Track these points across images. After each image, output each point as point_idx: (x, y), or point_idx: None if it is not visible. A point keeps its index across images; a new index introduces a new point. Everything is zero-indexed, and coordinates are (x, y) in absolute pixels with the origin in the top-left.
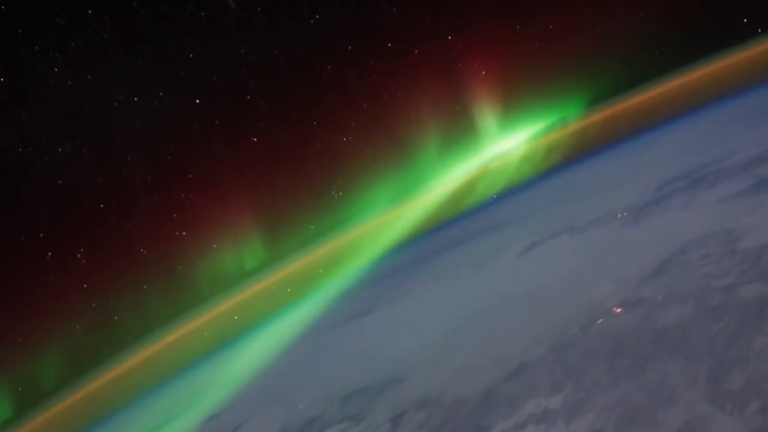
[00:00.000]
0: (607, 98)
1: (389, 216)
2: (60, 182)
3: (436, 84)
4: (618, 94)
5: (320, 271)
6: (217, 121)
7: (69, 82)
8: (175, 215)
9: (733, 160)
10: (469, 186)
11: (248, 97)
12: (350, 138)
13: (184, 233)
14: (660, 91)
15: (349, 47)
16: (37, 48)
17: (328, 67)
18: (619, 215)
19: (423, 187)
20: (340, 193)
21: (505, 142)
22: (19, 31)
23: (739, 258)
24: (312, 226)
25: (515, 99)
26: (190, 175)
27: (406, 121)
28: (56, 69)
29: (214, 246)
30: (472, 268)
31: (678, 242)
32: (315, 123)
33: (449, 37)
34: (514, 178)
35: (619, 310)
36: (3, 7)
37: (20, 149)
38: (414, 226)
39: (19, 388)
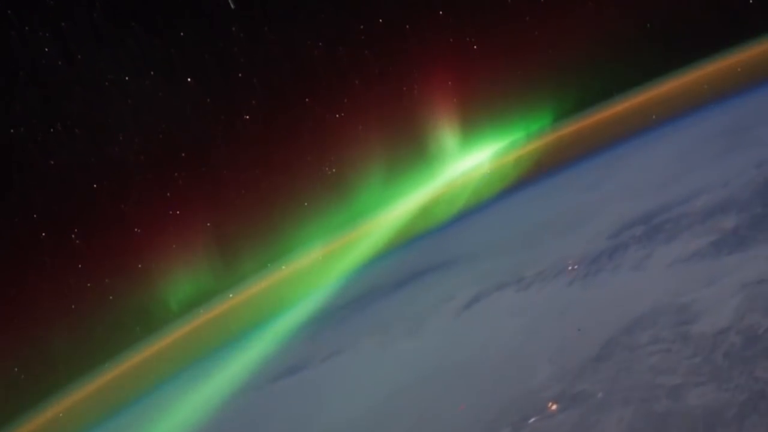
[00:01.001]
0: (576, 111)
1: (341, 240)
2: (53, 163)
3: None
4: (588, 106)
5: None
6: (208, 100)
7: (59, 63)
8: (168, 194)
9: (697, 204)
10: (425, 208)
11: (240, 75)
12: (342, 114)
13: (178, 212)
14: (633, 102)
15: (341, 23)
16: (27, 29)
17: (320, 44)
18: (570, 267)
19: (372, 212)
20: (333, 170)
21: (467, 160)
22: (9, 11)
23: (691, 347)
24: (306, 203)
25: (477, 115)
26: (183, 154)
27: (398, 96)
28: (47, 49)
29: (208, 224)
30: (411, 324)
31: (626, 317)
32: (307, 100)
33: (440, 12)
34: (474, 199)
35: (554, 407)
36: None
37: (12, 131)
38: (364, 255)
39: (16, 369)
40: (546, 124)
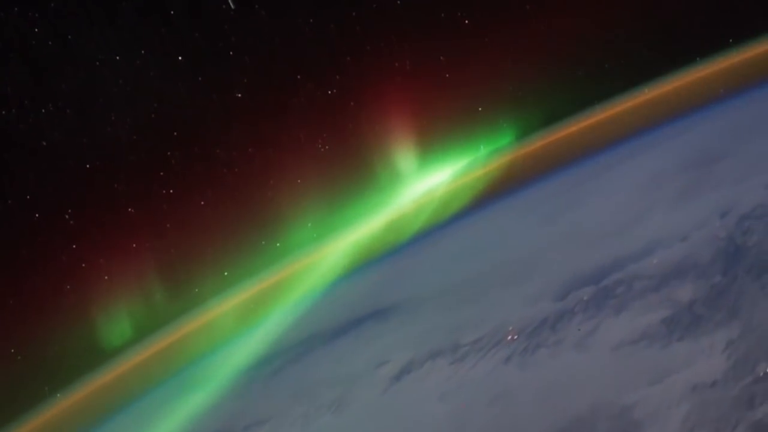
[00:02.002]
0: (544, 126)
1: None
2: (44, 144)
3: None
4: (557, 120)
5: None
6: (200, 78)
7: (50, 43)
8: (161, 173)
9: (652, 262)
10: (381, 230)
11: (231, 53)
12: (334, 91)
13: (171, 191)
14: (605, 114)
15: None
16: (16, 9)
17: (310, 20)
18: (509, 336)
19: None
20: (327, 147)
21: (426, 181)
22: None
23: None
24: (299, 180)
25: (436, 133)
26: (176, 133)
27: (389, 73)
28: (36, 30)
29: (202, 203)
30: (339, 393)
31: (561, 417)
32: (299, 77)
33: None
34: (432, 220)
35: None
36: None
37: (3, 112)
38: (317, 282)
39: (12, 350)
40: (511, 140)
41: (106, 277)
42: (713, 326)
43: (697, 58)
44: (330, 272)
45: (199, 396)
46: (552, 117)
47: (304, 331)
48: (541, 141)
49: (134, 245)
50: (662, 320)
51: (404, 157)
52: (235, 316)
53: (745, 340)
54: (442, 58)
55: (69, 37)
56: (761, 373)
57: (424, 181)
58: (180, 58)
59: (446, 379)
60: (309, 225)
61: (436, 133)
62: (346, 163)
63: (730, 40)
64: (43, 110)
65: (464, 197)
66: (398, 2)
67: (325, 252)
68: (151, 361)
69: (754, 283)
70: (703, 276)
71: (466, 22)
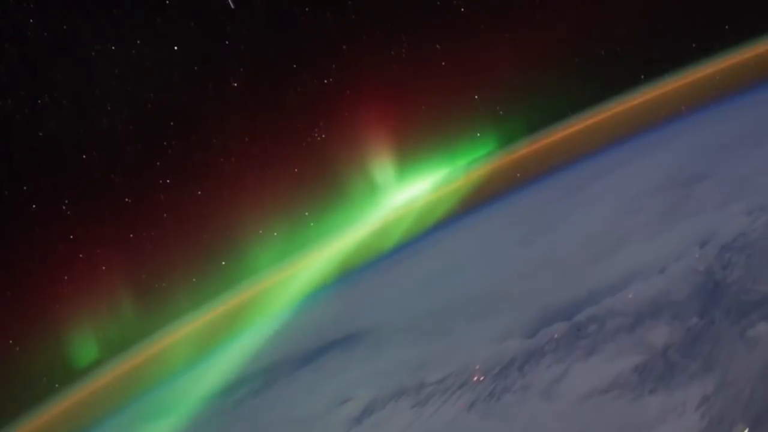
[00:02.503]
0: (529, 133)
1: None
2: (41, 134)
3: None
4: (540, 127)
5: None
6: (196, 68)
7: (45, 34)
8: (158, 163)
9: (628, 297)
10: (349, 248)
11: (227, 42)
12: (330, 80)
13: (168, 181)
14: (590, 122)
15: None
16: (11, 0)
17: (306, 9)
18: (475, 377)
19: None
20: (323, 136)
21: (404, 192)
22: None
23: None
24: (295, 169)
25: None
26: (172, 123)
27: (385, 61)
28: (32, 20)
29: (199, 193)
30: None
31: None
32: (294, 66)
33: None
34: (408, 234)
35: None
36: None
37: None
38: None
39: (11, 341)
40: (494, 147)
41: (103, 267)
42: (687, 378)
43: (685, 64)
44: (305, 287)
45: (162, 426)
46: (535, 125)
47: (274, 354)
48: (523, 149)
49: (131, 235)
50: (635, 367)
51: (394, 155)
52: (206, 335)
53: (720, 397)
54: (438, 46)
55: (64, 27)
56: None
57: (407, 188)
58: (175, 48)
59: (407, 427)
60: (306, 214)
61: (430, 128)
62: (342, 152)
63: (717, 45)
64: (40, 101)
65: (444, 207)
66: None
67: (300, 266)
68: (114, 385)
69: (732, 329)
70: (679, 317)
71: (462, 9)
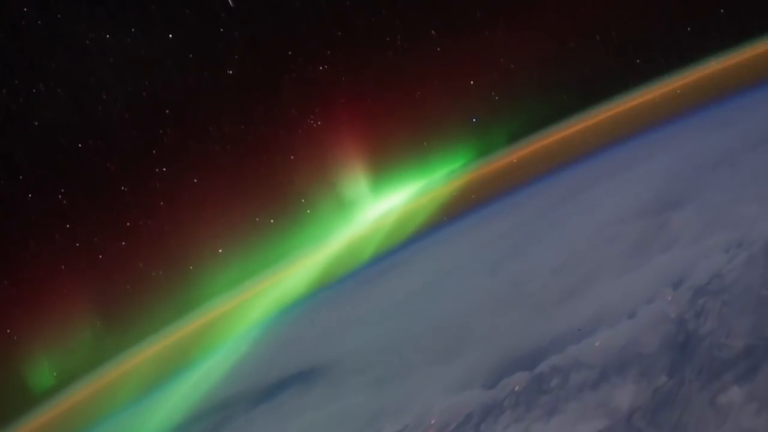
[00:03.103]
0: (507, 144)
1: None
2: (36, 123)
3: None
4: (518, 138)
5: None
6: (191, 55)
7: (39, 22)
8: (154, 151)
9: (594, 346)
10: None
11: (221, 30)
12: (326, 66)
13: (164, 169)
14: (569, 132)
15: None
16: None
17: None
18: (430, 428)
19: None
20: (319, 122)
21: (379, 205)
22: None
23: None
24: (292, 156)
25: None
26: (167, 111)
27: (380, 47)
28: (25, 9)
29: (195, 181)
30: None
31: None
32: (290, 53)
33: None
34: (378, 250)
35: None
36: None
37: None
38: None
39: (8, 330)
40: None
41: (100, 256)
42: None
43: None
44: (272, 304)
45: None
46: (515, 134)
47: (234, 384)
48: (508, 156)
49: (128, 223)
50: None
51: (387, 144)
52: (170, 356)
53: None
54: (433, 32)
55: (59, 16)
56: None
57: (392, 191)
58: (170, 35)
59: None
60: (302, 201)
61: (426, 115)
62: (338, 139)
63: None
64: (35, 90)
65: (423, 217)
66: None
67: (270, 281)
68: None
69: (703, 393)
70: (647, 374)
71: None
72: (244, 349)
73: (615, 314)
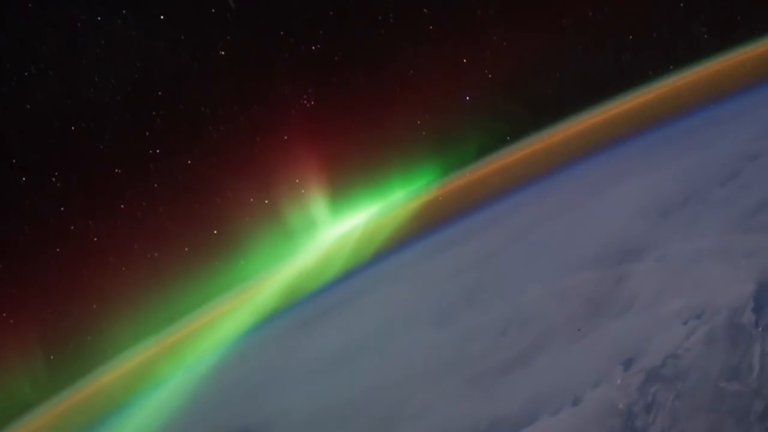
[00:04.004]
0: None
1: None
2: (28, 107)
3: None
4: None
5: None
6: (183, 36)
7: (30, 5)
8: (147, 133)
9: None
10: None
11: (213, 11)
12: (318, 46)
13: (157, 151)
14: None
15: None
16: None
17: None
18: None
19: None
20: (312, 102)
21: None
22: None
23: None
24: (286, 136)
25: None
26: (160, 93)
27: (373, 27)
28: None
29: (189, 162)
30: None
31: None
32: (282, 33)
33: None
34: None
35: None
36: None
37: None
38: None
39: (4, 314)
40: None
41: (95, 239)
42: None
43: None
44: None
45: None
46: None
47: None
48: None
49: (122, 206)
50: None
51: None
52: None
53: None
54: (425, 10)
55: None
56: None
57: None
58: (162, 17)
59: None
60: (297, 181)
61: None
62: (332, 119)
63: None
64: (26, 73)
65: (386, 235)
66: None
67: (222, 310)
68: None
69: None
70: None
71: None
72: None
73: (559, 397)
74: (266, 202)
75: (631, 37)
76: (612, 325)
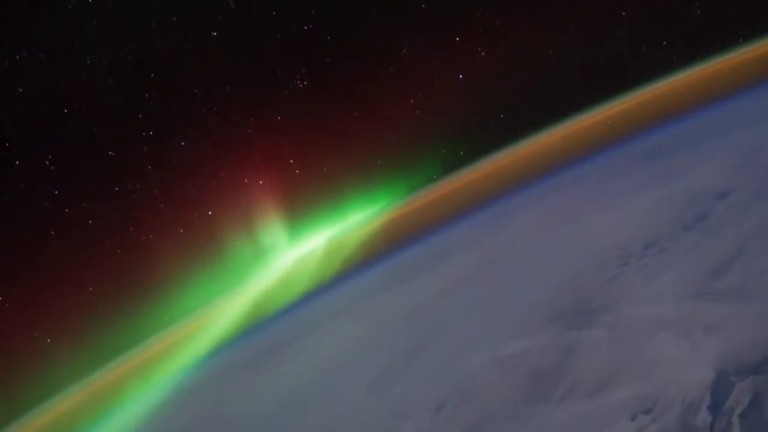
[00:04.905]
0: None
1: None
2: (21, 90)
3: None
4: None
5: None
6: (174, 18)
7: None
8: (140, 115)
9: None
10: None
11: None
12: (310, 26)
13: (151, 133)
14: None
15: None
16: None
17: None
18: None
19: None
20: (305, 82)
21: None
22: None
23: None
24: (279, 117)
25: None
26: (152, 75)
27: (365, 5)
28: None
29: (183, 144)
30: None
31: None
32: (274, 13)
33: None
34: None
35: None
36: None
37: None
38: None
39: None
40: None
41: (89, 222)
42: None
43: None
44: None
45: None
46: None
47: None
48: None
49: (116, 188)
50: None
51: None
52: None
53: None
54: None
55: None
56: None
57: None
58: None
59: None
60: (291, 162)
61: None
62: (324, 99)
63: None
64: (18, 57)
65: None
66: None
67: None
68: None
69: None
70: None
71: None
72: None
73: None
74: (260, 183)
75: (624, 13)
76: (552, 414)
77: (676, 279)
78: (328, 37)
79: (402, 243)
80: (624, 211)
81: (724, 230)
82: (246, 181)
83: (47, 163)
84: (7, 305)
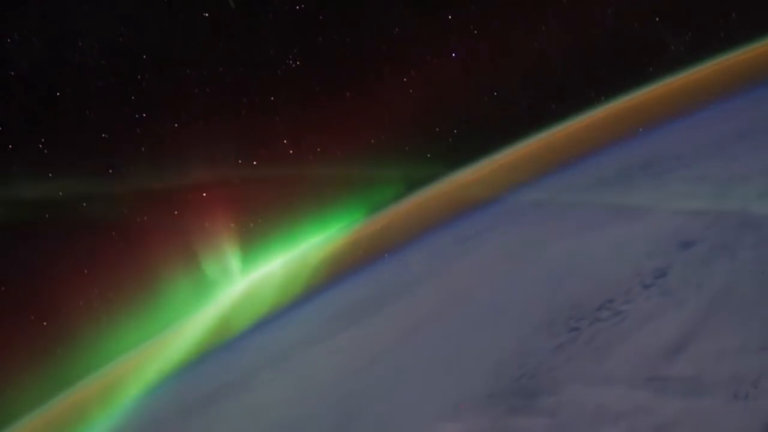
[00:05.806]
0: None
1: None
2: (13, 74)
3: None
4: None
5: None
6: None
7: None
8: (133, 98)
9: None
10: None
11: None
12: (302, 6)
13: (144, 115)
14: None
15: None
16: None
17: None
18: None
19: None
20: (298, 62)
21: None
22: None
23: None
24: (271, 97)
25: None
26: (145, 56)
27: None
28: None
29: (176, 125)
30: None
31: None
32: None
33: None
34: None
35: None
36: None
37: None
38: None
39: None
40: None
41: (84, 204)
42: None
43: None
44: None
45: None
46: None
47: None
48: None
49: (110, 171)
50: None
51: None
52: None
53: None
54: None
55: None
56: None
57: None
58: None
59: None
60: (285, 142)
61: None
62: (317, 79)
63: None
64: (9, 40)
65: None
66: None
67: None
68: None
69: None
70: None
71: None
72: None
73: None
74: (254, 163)
75: None
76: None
77: (628, 356)
78: (321, 17)
79: (354, 269)
80: (585, 251)
81: (680, 291)
82: (239, 161)
83: (40, 146)
84: (3, 288)
